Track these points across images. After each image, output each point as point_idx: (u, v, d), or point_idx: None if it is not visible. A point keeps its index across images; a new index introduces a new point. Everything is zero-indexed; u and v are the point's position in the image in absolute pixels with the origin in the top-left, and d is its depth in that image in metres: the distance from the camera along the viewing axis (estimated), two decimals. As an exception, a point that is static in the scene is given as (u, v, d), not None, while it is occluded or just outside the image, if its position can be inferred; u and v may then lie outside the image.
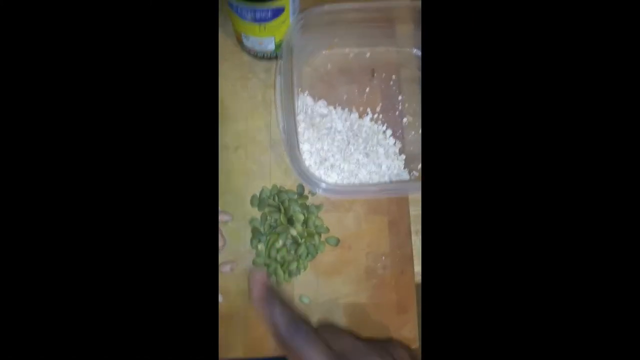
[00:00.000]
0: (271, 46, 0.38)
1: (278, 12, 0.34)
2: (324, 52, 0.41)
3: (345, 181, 0.37)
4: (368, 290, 0.36)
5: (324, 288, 0.36)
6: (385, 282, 0.36)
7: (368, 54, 0.41)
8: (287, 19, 0.36)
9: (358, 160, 0.38)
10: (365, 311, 0.36)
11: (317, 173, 0.37)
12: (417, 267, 0.37)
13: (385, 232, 0.37)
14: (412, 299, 0.36)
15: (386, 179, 0.38)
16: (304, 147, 0.38)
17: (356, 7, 0.37)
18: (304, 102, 0.40)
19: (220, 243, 0.36)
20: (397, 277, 0.37)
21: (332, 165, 0.37)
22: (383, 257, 0.37)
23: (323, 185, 0.34)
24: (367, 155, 0.38)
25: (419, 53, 0.41)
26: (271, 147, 0.39)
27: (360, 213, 0.38)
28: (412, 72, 0.41)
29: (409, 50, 0.41)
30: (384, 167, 0.38)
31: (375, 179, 0.37)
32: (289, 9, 0.35)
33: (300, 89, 0.40)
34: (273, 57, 0.40)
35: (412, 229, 0.38)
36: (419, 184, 0.35)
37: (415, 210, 0.38)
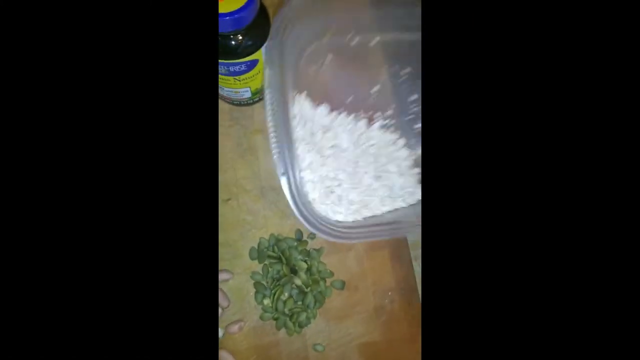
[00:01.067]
0: (247, 95, 0.37)
1: (252, 65, 0.33)
2: (322, 42, 0.33)
3: (356, 215, 0.32)
4: (379, 328, 0.36)
5: (336, 333, 0.36)
6: (395, 317, 0.36)
7: (378, 38, 0.32)
8: (261, 70, 0.35)
9: (369, 185, 0.32)
10: (379, 349, 0.36)
11: (322, 209, 0.32)
12: (424, 298, 0.37)
13: (387, 266, 0.38)
14: (422, 329, 0.36)
15: (400, 202, 0.33)
16: (306, 176, 0.32)
17: None
18: (301, 110, 0.33)
19: (225, 304, 0.35)
20: (406, 309, 0.37)
21: (339, 198, 0.32)
22: (389, 292, 0.37)
23: (335, 230, 0.29)
24: (378, 177, 0.33)
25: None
26: (262, 194, 0.38)
27: (361, 251, 0.37)
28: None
29: None
30: (396, 187, 0.33)
31: (388, 204, 0.33)
32: (263, 60, 0.34)
33: (296, 93, 0.33)
34: (250, 103, 0.39)
35: (412, 255, 0.38)
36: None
37: (413, 237, 0.38)
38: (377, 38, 0.33)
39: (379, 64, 0.33)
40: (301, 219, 0.28)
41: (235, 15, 0.29)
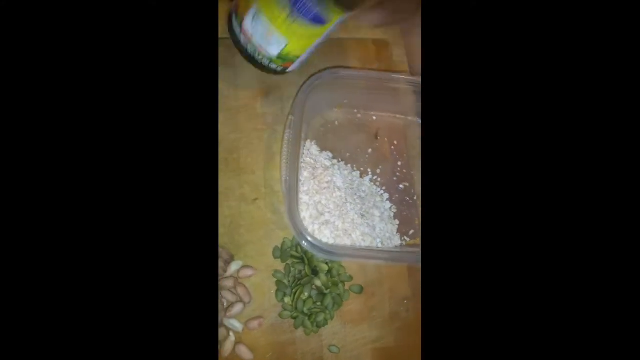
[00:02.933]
0: (273, 50, 0.32)
1: (317, 20, 0.30)
2: (335, 110, 0.43)
3: (338, 240, 0.37)
4: (394, 334, 0.37)
5: (351, 336, 0.37)
6: (409, 325, 0.37)
7: (374, 117, 0.43)
8: (315, 38, 0.32)
9: (353, 220, 0.38)
10: (393, 355, 0.37)
11: (310, 227, 0.37)
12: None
13: (404, 275, 0.39)
14: (435, 339, 0.37)
15: (378, 242, 0.38)
16: (303, 199, 0.38)
17: (363, 74, 0.40)
18: (310, 151, 0.40)
19: (246, 299, 0.36)
20: (420, 318, 0.38)
21: (326, 222, 0.37)
22: (405, 301, 0.38)
23: (315, 242, 0.33)
24: (362, 216, 0.39)
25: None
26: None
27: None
28: (413, 141, 0.43)
29: (412, 119, 0.44)
30: (377, 229, 0.39)
31: (368, 240, 0.38)
32: (324, 34, 0.32)
33: (308, 139, 0.41)
34: (264, 67, 0.36)
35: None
36: (411, 255, 0.38)
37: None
38: (374, 117, 0.44)
39: (374, 134, 0.43)
40: (293, 229, 0.34)
41: None
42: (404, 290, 0.38)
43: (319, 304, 0.36)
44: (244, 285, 0.36)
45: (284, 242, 0.38)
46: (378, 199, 0.41)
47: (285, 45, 0.32)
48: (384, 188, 0.41)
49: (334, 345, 0.36)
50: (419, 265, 0.38)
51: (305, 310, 0.36)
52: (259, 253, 0.38)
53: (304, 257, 0.37)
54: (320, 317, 0.36)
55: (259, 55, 0.33)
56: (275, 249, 0.38)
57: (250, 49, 0.33)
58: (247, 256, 0.37)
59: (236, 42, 0.34)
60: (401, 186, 0.42)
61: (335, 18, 0.31)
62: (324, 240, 0.36)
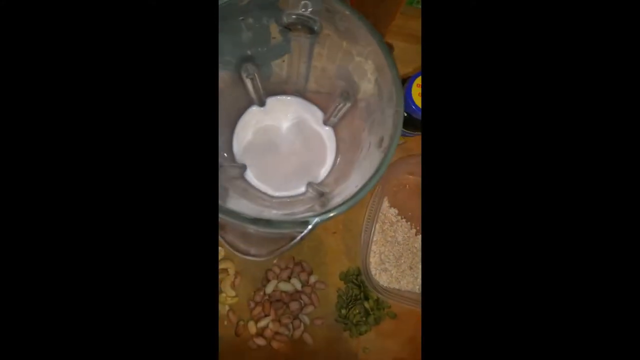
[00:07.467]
0: None
1: None
2: (408, 176, 0.54)
3: (391, 285, 0.51)
4: (410, 350, 0.52)
5: (380, 345, 0.52)
6: (422, 347, 0.52)
7: None
8: None
9: (404, 270, 0.51)
10: (405, 364, 0.52)
11: (374, 271, 0.51)
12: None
13: (429, 312, 0.53)
14: None
15: (417, 288, 0.52)
16: (372, 248, 0.51)
17: None
18: (383, 205, 0.53)
19: (316, 304, 0.51)
20: (431, 344, 0.52)
21: (385, 269, 0.51)
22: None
23: (375, 284, 0.49)
24: (411, 267, 0.52)
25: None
26: (359, 236, 0.53)
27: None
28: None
29: None
30: (419, 279, 0.52)
31: (410, 287, 0.52)
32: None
33: (384, 197, 0.53)
34: None
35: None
36: None
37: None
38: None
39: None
40: (364, 274, 0.49)
41: None
42: (426, 323, 0.52)
43: (364, 319, 0.51)
44: (316, 294, 0.51)
45: (348, 270, 0.52)
46: None
47: None
48: None
49: (367, 348, 0.52)
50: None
51: (353, 321, 0.51)
52: (329, 273, 0.52)
53: (360, 285, 0.51)
54: (363, 328, 0.51)
55: None
56: (341, 273, 0.52)
57: None
58: (322, 273, 0.52)
59: None
60: None
61: None
62: (381, 283, 0.51)
